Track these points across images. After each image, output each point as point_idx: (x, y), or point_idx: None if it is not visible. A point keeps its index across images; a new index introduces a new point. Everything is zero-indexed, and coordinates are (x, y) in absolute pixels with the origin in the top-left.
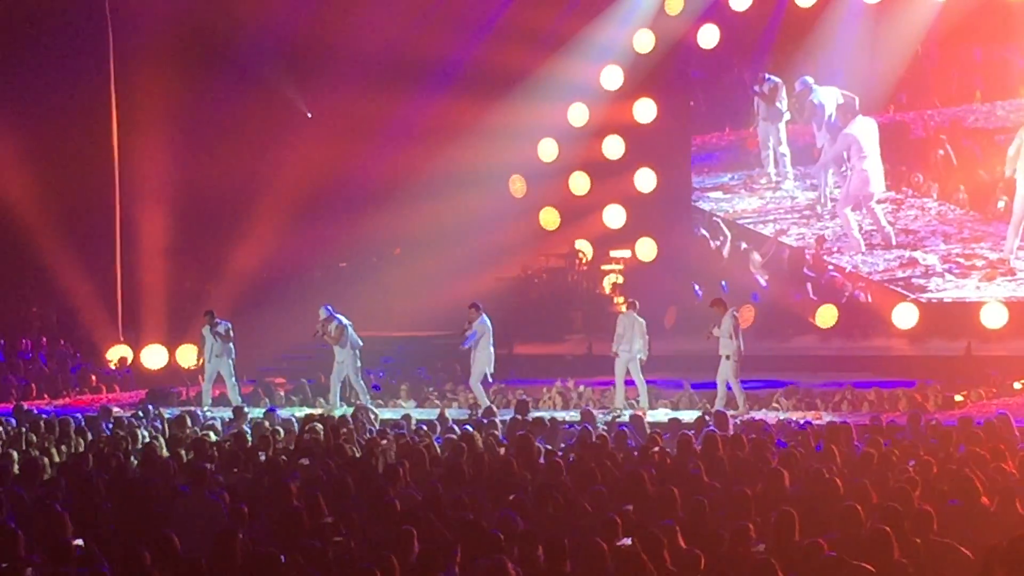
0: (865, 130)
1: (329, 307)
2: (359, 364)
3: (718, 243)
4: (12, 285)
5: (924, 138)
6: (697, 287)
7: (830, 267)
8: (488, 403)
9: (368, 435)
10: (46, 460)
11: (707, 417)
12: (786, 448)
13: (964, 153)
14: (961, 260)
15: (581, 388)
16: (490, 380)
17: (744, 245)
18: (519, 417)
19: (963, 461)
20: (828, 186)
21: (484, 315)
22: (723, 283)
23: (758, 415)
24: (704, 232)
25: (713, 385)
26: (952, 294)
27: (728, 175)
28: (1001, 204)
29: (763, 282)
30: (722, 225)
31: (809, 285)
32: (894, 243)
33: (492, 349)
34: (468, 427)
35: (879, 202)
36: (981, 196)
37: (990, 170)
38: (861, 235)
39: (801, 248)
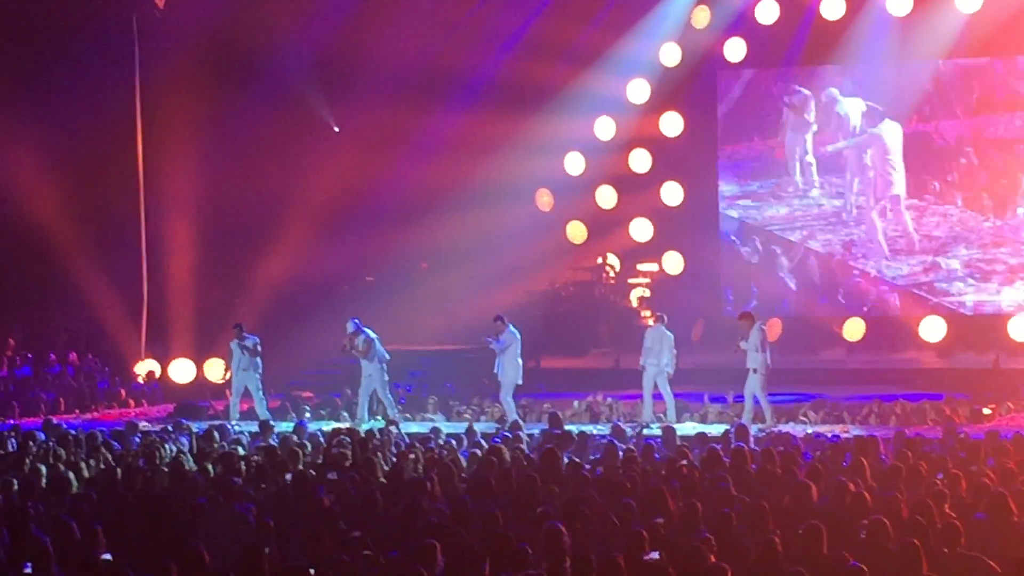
0: (890, 132)
1: (357, 321)
2: (387, 378)
3: (748, 250)
4: (40, 299)
5: (947, 147)
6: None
7: (855, 272)
8: (516, 417)
9: (396, 448)
10: (72, 474)
11: (733, 431)
12: (814, 461)
13: (987, 162)
14: (982, 265)
15: (610, 401)
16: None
17: (776, 249)
18: (550, 431)
19: (992, 475)
20: (854, 193)
21: (511, 326)
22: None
23: (785, 428)
24: (734, 239)
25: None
26: (972, 298)
27: (756, 183)
28: (1022, 211)
29: (792, 286)
30: (751, 231)
31: (840, 291)
32: (917, 248)
33: (520, 361)
34: (496, 440)
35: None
36: (1002, 203)
37: (1013, 178)
38: (886, 240)
39: (828, 254)
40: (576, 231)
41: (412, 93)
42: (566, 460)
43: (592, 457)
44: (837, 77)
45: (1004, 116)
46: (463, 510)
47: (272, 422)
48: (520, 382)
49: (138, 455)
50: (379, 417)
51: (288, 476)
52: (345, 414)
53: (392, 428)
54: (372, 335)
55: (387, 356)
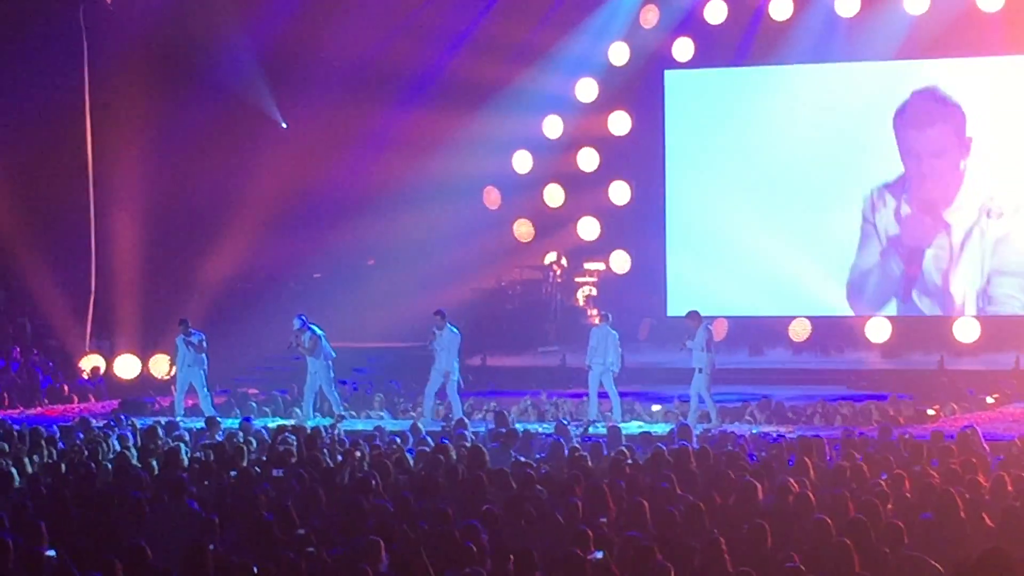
0: None
1: (303, 317)
2: (332, 375)
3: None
4: None
5: None
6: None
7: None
8: (462, 414)
9: (341, 446)
10: (15, 470)
11: (676, 430)
12: (759, 461)
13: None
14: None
15: (556, 399)
16: (463, 387)
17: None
18: (496, 429)
19: (936, 475)
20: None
21: (450, 324)
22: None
23: (731, 428)
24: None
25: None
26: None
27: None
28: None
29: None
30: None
31: (786, 291)
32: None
33: (456, 361)
34: (444, 440)
35: None
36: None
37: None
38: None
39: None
40: (523, 229)
41: (360, 90)
42: (512, 458)
43: (538, 456)
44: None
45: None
46: (408, 508)
47: (218, 418)
48: (458, 379)
49: (82, 451)
50: (323, 415)
51: (233, 473)
52: (295, 411)
53: (338, 425)
54: (318, 332)
55: (333, 353)
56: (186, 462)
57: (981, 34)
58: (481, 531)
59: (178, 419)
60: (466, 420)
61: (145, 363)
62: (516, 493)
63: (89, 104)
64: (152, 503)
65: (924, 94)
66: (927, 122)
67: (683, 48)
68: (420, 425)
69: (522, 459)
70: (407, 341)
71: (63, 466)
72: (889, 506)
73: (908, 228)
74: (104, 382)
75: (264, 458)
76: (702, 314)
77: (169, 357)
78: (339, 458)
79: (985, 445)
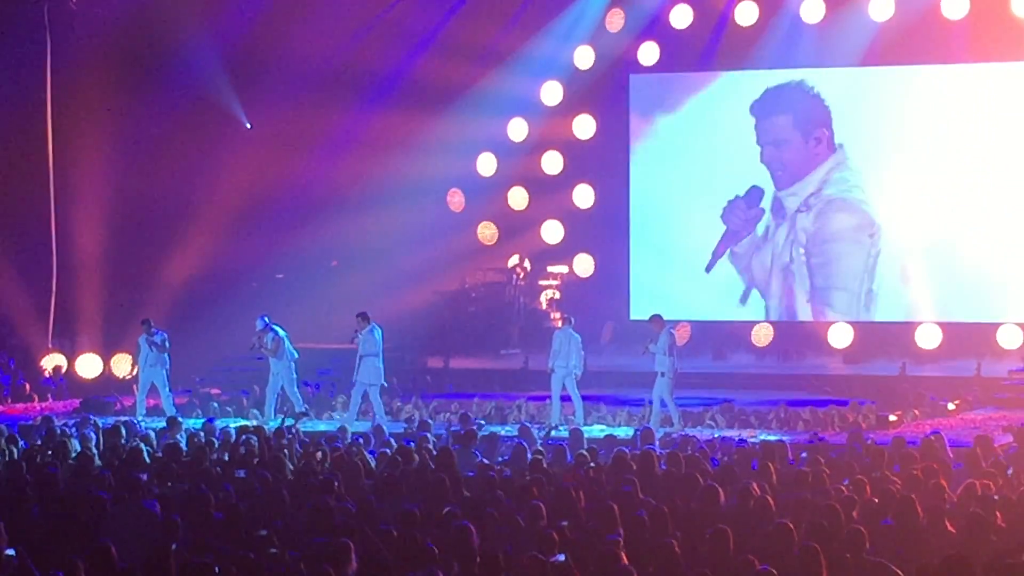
0: None
1: (265, 318)
2: (295, 375)
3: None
4: None
5: None
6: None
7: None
8: (356, 413)
9: (302, 447)
10: None
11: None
12: (721, 465)
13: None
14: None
15: (520, 402)
16: (386, 386)
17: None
18: (459, 431)
19: (897, 480)
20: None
21: (374, 325)
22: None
23: (692, 432)
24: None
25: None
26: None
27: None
28: None
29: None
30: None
31: (749, 296)
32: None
33: (381, 364)
34: (407, 442)
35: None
36: None
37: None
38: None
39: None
40: (487, 232)
41: (324, 90)
42: (475, 460)
43: (500, 459)
44: (750, 84)
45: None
46: (370, 509)
47: (180, 419)
48: (383, 382)
49: (44, 449)
50: (282, 416)
51: (195, 473)
52: (254, 412)
53: (298, 425)
54: (281, 333)
55: (295, 354)
56: (148, 462)
57: (945, 41)
58: (449, 533)
59: (140, 419)
60: (429, 422)
61: (107, 362)
62: (478, 496)
63: (51, 102)
64: (114, 503)
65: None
66: (778, 110)
67: (648, 52)
68: (384, 426)
69: (485, 461)
70: None
71: (24, 465)
72: (854, 512)
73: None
74: (65, 381)
75: (227, 458)
76: (665, 318)
77: (131, 356)
78: (301, 459)
79: (949, 451)
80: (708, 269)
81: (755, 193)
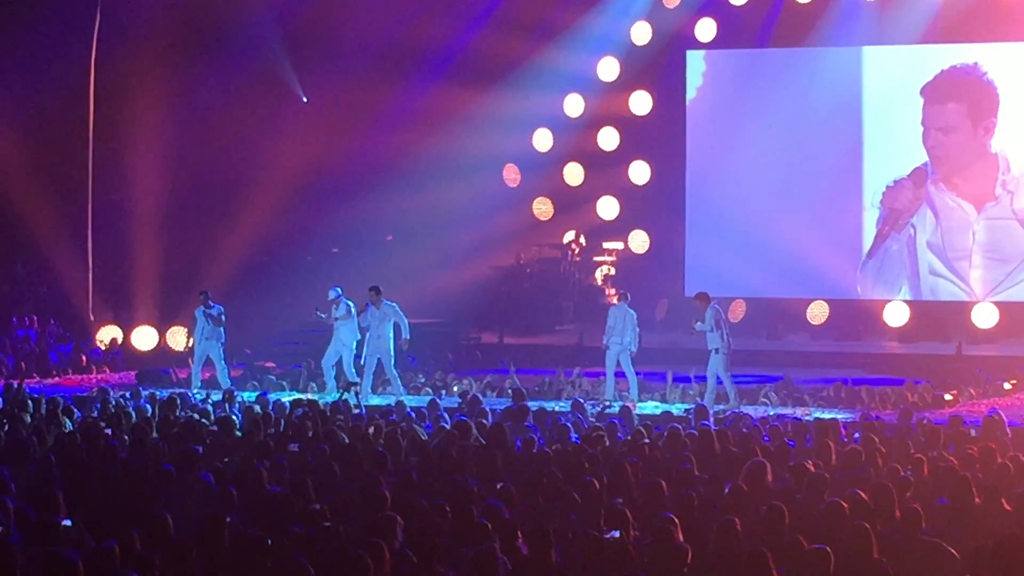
0: None
1: (339, 289)
2: (354, 351)
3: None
4: (3, 264)
5: None
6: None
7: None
8: (403, 391)
9: (358, 421)
10: (35, 439)
11: (693, 411)
12: (775, 443)
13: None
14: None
15: (574, 378)
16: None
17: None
18: (512, 407)
19: (954, 460)
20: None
21: (386, 301)
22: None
23: (747, 409)
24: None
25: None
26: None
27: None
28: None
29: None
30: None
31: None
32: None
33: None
34: (460, 417)
35: None
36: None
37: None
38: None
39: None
40: (543, 208)
41: (381, 65)
42: (522, 439)
43: (549, 435)
44: (808, 61)
45: None
46: (423, 484)
47: (235, 391)
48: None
49: (101, 421)
50: (342, 390)
51: (249, 446)
52: (312, 384)
53: (359, 399)
54: (352, 305)
55: (359, 331)
56: (203, 435)
57: (1007, 18)
58: (501, 508)
59: (195, 391)
60: (480, 397)
61: (163, 335)
62: (532, 471)
63: (99, 76)
64: (169, 475)
65: (950, 72)
66: (947, 98)
67: (705, 28)
68: (438, 401)
69: (536, 437)
70: (424, 317)
71: (80, 437)
72: (909, 493)
73: (926, 211)
74: (121, 353)
75: (281, 432)
76: (722, 296)
77: (187, 329)
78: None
79: (1008, 431)
80: (871, 255)
81: (919, 173)
